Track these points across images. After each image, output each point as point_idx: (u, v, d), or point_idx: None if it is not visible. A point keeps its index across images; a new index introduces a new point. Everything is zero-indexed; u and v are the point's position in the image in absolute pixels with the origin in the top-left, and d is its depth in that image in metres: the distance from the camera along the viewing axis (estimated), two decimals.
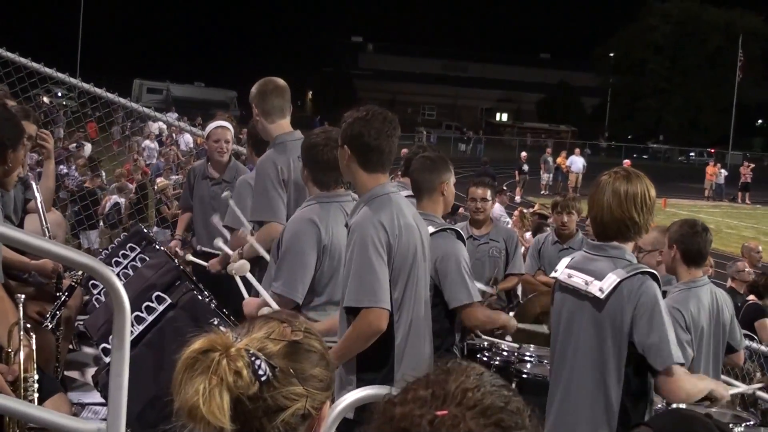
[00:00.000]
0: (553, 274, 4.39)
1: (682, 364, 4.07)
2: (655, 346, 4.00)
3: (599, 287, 4.10)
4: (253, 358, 1.88)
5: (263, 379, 1.88)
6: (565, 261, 4.40)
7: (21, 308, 3.87)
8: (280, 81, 6.31)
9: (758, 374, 9.87)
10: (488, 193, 8.21)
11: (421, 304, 4.58)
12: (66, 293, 5.15)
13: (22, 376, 3.72)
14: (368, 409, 3.73)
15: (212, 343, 1.89)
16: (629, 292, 4.06)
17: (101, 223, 15.96)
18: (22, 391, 3.71)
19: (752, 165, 47.99)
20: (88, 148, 21.96)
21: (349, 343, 4.37)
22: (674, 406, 4.42)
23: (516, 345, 6.50)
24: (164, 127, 28.95)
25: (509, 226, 13.70)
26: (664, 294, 4.51)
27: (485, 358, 6.32)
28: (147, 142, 27.94)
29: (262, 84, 6.24)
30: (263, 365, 1.89)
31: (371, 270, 4.29)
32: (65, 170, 18.38)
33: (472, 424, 1.49)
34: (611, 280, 4.08)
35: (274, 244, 5.29)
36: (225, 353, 1.88)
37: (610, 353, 4.10)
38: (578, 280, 4.21)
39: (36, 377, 3.77)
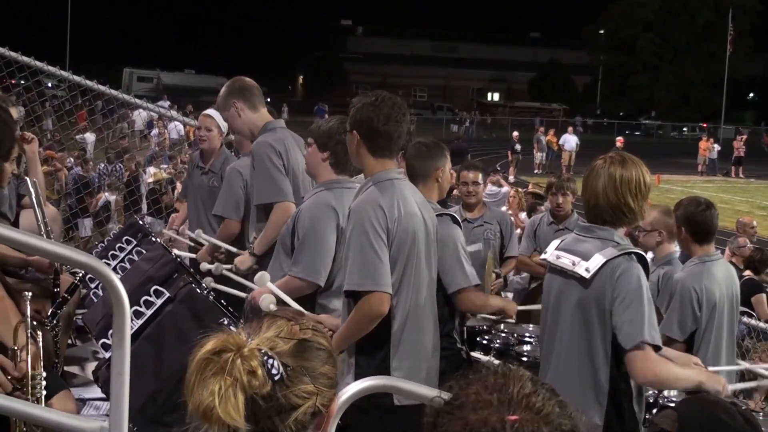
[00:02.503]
0: (543, 256, 4.40)
1: (657, 348, 4.00)
2: (626, 325, 3.97)
3: (585, 267, 4.09)
4: (266, 358, 1.88)
5: (277, 378, 1.89)
6: (555, 243, 4.40)
7: (28, 306, 3.85)
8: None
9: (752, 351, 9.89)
10: (479, 177, 8.25)
11: (423, 291, 4.56)
12: (68, 293, 5.14)
13: (29, 374, 3.71)
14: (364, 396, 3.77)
15: (225, 343, 1.89)
16: (612, 272, 4.05)
17: (91, 221, 15.91)
18: (29, 389, 3.70)
19: (745, 136, 48.05)
20: (91, 138, 21.89)
21: (352, 328, 4.37)
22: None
23: (513, 323, 6.53)
24: (152, 115, 28.93)
25: (504, 208, 13.74)
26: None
27: (485, 341, 6.34)
28: (155, 131, 27.87)
29: (238, 80, 6.36)
30: (276, 364, 1.89)
31: (371, 253, 4.29)
32: (57, 163, 18.30)
33: (545, 429, 1.52)
34: (597, 260, 4.07)
35: (287, 228, 5.32)
36: (238, 353, 1.88)
37: (597, 333, 4.09)
38: (566, 260, 4.21)
39: (44, 374, 3.76)
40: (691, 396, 4.06)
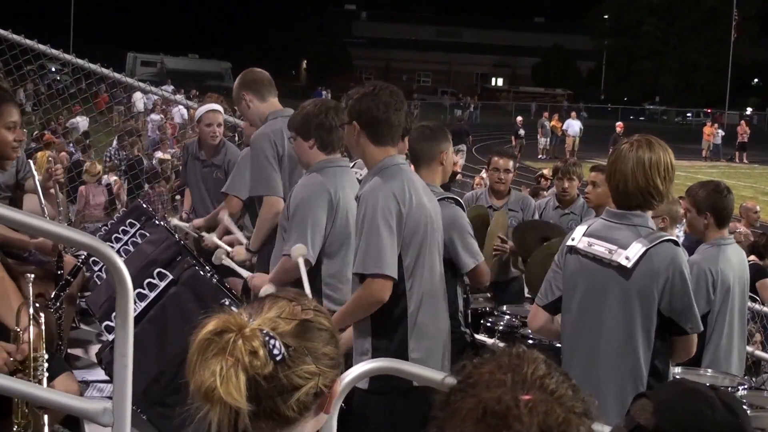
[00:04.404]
0: (570, 242, 4.34)
1: None
2: (688, 311, 4.11)
3: (625, 256, 4.10)
4: (267, 338, 1.88)
5: (278, 358, 1.88)
6: (581, 229, 4.36)
7: (30, 288, 3.85)
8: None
9: (757, 335, 9.89)
10: (510, 164, 8.24)
11: (436, 275, 4.64)
12: (71, 275, 5.14)
13: (31, 356, 3.71)
14: (383, 378, 3.80)
15: (226, 323, 1.88)
16: (661, 260, 4.08)
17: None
18: (31, 370, 3.70)
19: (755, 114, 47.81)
20: (84, 123, 21.88)
21: (351, 310, 4.49)
22: (677, 376, 4.46)
23: (518, 309, 6.56)
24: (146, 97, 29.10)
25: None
26: None
27: (489, 324, 6.33)
28: (153, 116, 27.90)
29: (249, 72, 6.58)
30: (278, 344, 1.88)
31: (379, 238, 4.36)
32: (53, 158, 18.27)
33: (558, 410, 1.52)
34: (637, 248, 4.09)
35: (282, 214, 5.40)
36: (240, 333, 1.87)
37: (638, 320, 4.12)
38: (600, 248, 4.19)
39: (46, 356, 3.76)
40: (668, 383, 4.08)
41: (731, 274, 5.73)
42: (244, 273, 5.76)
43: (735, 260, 5.82)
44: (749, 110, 58.01)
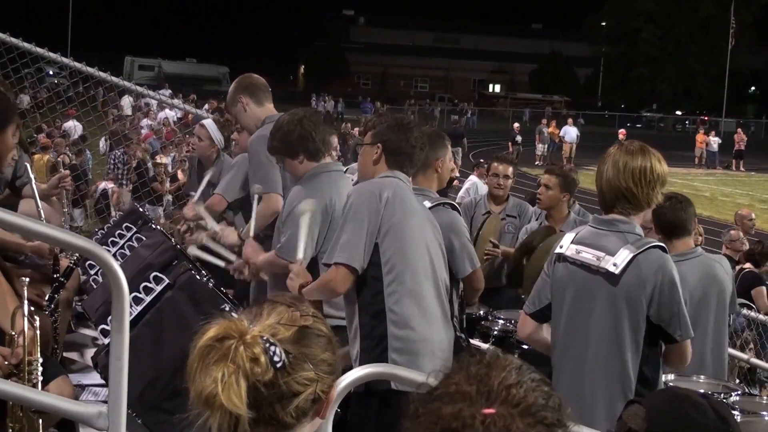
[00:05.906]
0: (558, 250, 4.33)
1: None
2: (676, 318, 4.09)
3: (612, 262, 4.09)
4: (268, 345, 1.88)
5: (279, 365, 1.88)
6: (570, 236, 4.35)
7: (26, 292, 3.85)
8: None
9: (752, 343, 9.90)
10: (510, 170, 8.26)
11: (421, 275, 4.63)
12: (64, 276, 5.14)
13: (26, 359, 3.70)
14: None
15: (227, 330, 1.89)
16: (649, 266, 4.07)
17: (83, 211, 15.91)
18: (26, 374, 3.69)
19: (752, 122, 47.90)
20: (77, 127, 21.92)
21: (314, 288, 4.61)
22: (669, 383, 4.46)
23: (513, 314, 6.56)
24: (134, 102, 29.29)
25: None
26: None
27: (483, 329, 6.34)
28: (146, 120, 27.94)
29: (246, 77, 6.60)
30: (278, 351, 1.89)
31: (349, 233, 4.49)
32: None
33: (520, 424, 1.48)
34: (624, 255, 4.08)
35: (280, 216, 5.44)
36: (241, 340, 1.87)
37: (626, 327, 4.11)
38: (588, 255, 4.18)
39: (41, 360, 3.75)
40: (660, 390, 4.09)
41: (684, 292, 5.39)
42: (231, 255, 5.89)
43: (693, 277, 5.48)
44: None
